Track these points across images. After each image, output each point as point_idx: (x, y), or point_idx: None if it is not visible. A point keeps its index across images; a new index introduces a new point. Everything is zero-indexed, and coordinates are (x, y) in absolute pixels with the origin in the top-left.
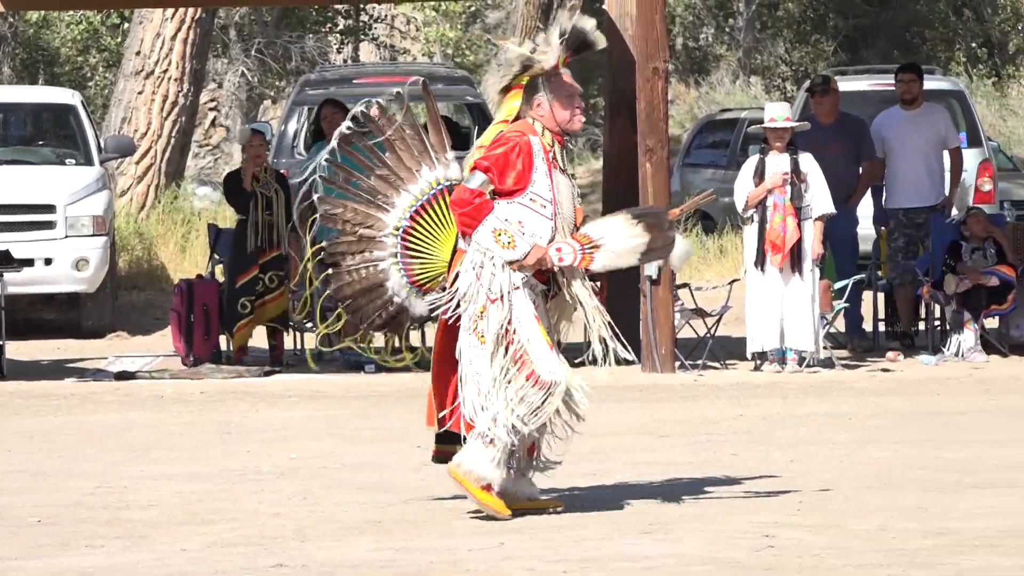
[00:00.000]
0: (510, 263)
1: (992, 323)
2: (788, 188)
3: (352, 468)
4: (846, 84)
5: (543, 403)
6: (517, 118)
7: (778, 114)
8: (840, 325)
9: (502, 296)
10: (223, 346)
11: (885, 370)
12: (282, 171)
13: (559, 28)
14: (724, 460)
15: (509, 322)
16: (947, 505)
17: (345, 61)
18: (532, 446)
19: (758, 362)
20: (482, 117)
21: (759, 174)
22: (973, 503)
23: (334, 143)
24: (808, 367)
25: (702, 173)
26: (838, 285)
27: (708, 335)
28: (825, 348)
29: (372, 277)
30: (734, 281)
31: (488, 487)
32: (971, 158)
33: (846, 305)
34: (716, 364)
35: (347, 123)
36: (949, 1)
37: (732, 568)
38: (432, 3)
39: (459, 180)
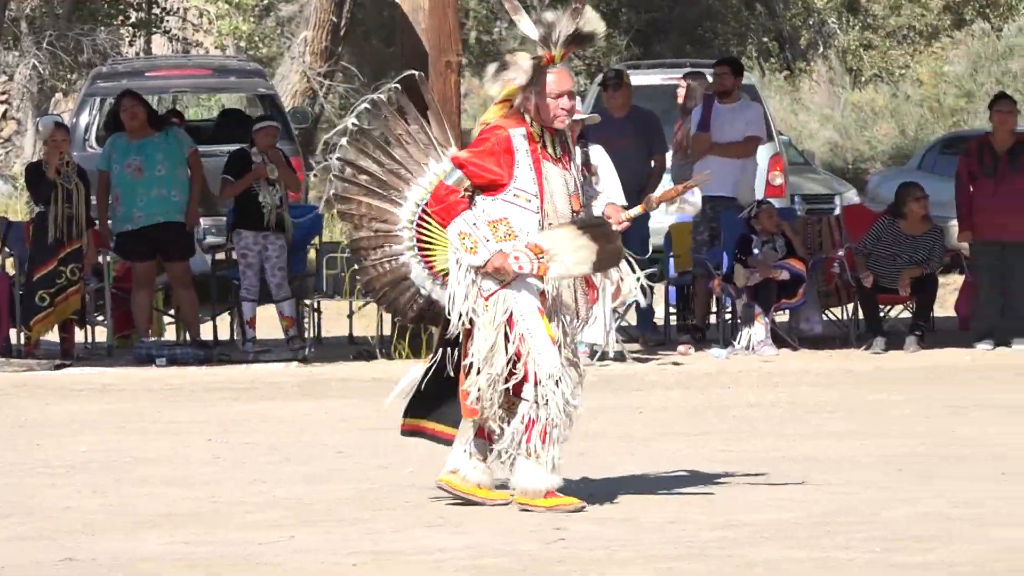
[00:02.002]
0: (473, 268)
1: (782, 317)
2: None
3: (143, 462)
4: (638, 78)
5: (546, 397)
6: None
7: None
8: (632, 318)
9: (495, 293)
10: (13, 339)
11: (676, 363)
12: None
13: (541, 31)
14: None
15: (510, 315)
16: (737, 497)
17: (137, 54)
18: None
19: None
20: (274, 108)
21: None
22: (763, 495)
23: (343, 140)
24: (599, 360)
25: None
26: None
27: None
28: (616, 341)
29: (395, 270)
30: None
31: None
32: (763, 152)
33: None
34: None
35: (352, 119)
36: None
37: (524, 560)
38: None
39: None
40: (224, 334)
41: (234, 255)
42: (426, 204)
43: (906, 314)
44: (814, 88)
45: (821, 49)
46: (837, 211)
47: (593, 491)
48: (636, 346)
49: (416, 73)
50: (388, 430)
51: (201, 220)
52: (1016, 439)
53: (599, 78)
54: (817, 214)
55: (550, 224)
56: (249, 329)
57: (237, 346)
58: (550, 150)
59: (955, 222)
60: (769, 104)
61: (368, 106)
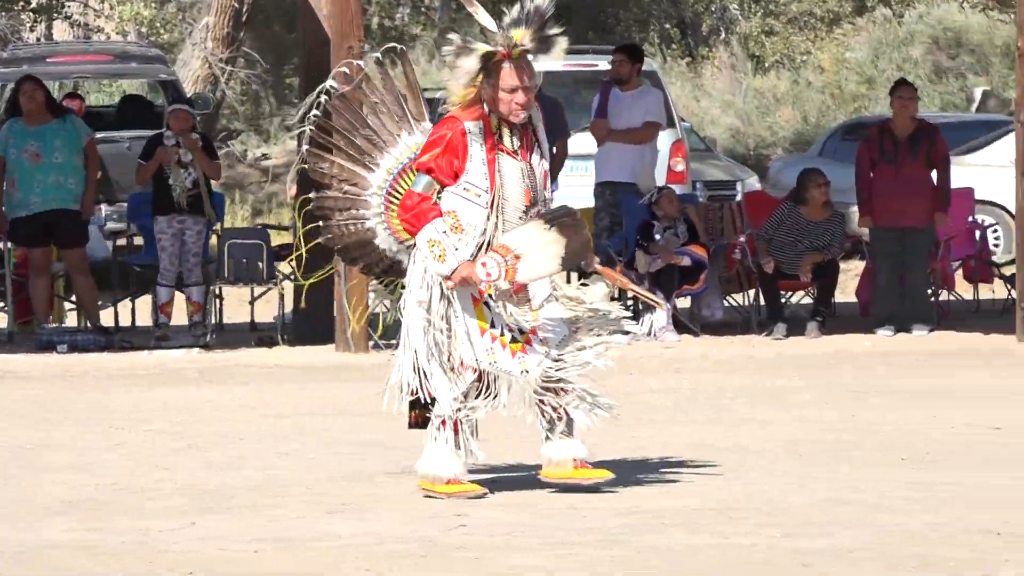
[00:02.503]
0: (440, 276)
1: (684, 303)
2: None
3: (45, 448)
4: (539, 64)
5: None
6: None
7: None
8: None
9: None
10: None
11: None
12: None
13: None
14: (417, 439)
15: (449, 303)
16: (639, 484)
17: (38, 40)
18: (555, 407)
19: None
20: (176, 94)
21: None
22: (665, 482)
23: (320, 98)
24: None
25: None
26: None
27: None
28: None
29: (360, 233)
30: None
31: (452, 480)
32: (664, 138)
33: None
34: None
35: (330, 82)
36: None
37: (425, 546)
38: None
39: None
40: (125, 320)
41: (136, 240)
42: (388, 197)
43: (807, 300)
44: (716, 74)
45: (723, 35)
46: (739, 197)
47: (495, 477)
48: None
49: (398, 46)
50: (290, 416)
51: (102, 207)
52: (916, 424)
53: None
54: (719, 200)
55: (504, 218)
56: (162, 315)
57: (144, 331)
58: (507, 142)
59: (856, 208)
60: (671, 90)
61: (346, 70)
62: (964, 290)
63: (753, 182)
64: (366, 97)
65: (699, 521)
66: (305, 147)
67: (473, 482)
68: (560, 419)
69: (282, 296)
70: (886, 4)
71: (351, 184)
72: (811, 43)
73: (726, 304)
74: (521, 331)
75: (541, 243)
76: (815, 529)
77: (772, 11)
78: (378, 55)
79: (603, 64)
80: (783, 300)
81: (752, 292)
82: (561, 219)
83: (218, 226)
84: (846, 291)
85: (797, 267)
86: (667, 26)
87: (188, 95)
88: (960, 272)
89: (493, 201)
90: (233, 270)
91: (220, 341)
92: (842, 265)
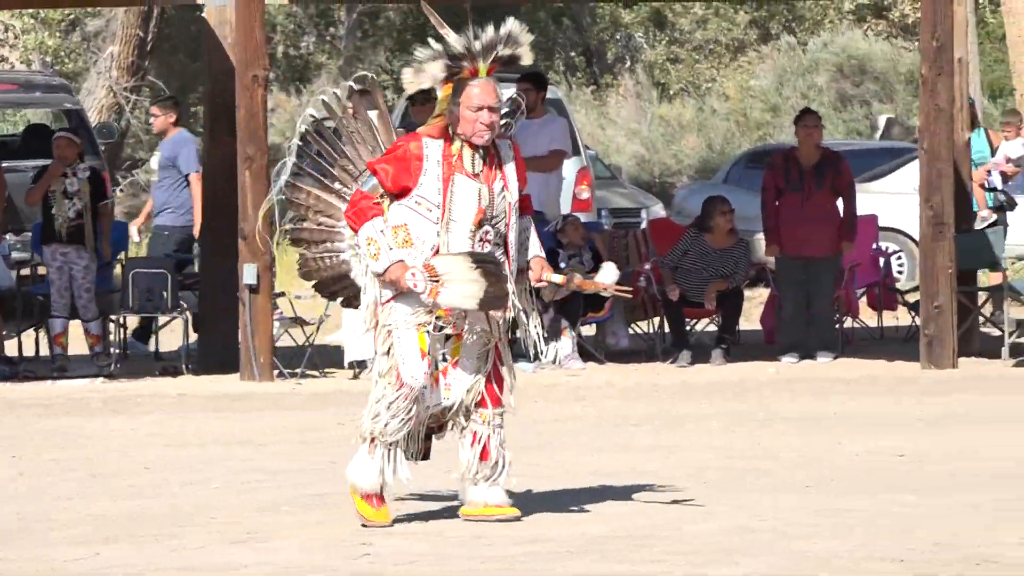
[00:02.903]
0: (375, 274)
1: (589, 330)
2: None
3: None
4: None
5: (401, 407)
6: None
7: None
8: None
9: (388, 301)
10: None
11: None
12: None
13: (440, 50)
14: (322, 468)
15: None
16: (544, 512)
17: None
18: (484, 451)
19: (356, 370)
20: (80, 123)
21: None
22: (570, 510)
23: (301, 128)
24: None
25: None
26: None
27: (307, 343)
28: None
29: (336, 267)
30: None
31: (368, 497)
32: (569, 166)
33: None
34: (315, 372)
35: (311, 111)
36: (549, 11)
37: (329, 575)
38: (30, 10)
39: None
40: (29, 350)
41: (40, 270)
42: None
43: (712, 327)
44: (621, 102)
45: (628, 63)
46: (643, 225)
47: (400, 506)
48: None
49: (369, 75)
50: (194, 446)
51: (7, 236)
52: (821, 451)
53: (407, 93)
54: (624, 228)
55: (451, 236)
56: (56, 347)
57: (48, 361)
58: (467, 163)
59: (762, 235)
60: (576, 118)
61: (325, 99)
62: (868, 317)
63: (658, 210)
64: (344, 126)
65: (605, 548)
66: (284, 177)
67: (386, 509)
68: (487, 463)
69: (186, 325)
70: (790, 32)
71: (326, 216)
72: (716, 71)
73: (631, 332)
74: (437, 363)
75: (463, 278)
76: (722, 556)
77: (677, 39)
78: (352, 83)
79: (508, 92)
80: (688, 328)
81: (657, 320)
82: (487, 264)
83: (122, 255)
84: (751, 318)
85: (702, 294)
86: (572, 54)
87: (93, 124)
88: (864, 299)
89: (443, 218)
90: (137, 299)
91: (124, 370)
92: (747, 292)
